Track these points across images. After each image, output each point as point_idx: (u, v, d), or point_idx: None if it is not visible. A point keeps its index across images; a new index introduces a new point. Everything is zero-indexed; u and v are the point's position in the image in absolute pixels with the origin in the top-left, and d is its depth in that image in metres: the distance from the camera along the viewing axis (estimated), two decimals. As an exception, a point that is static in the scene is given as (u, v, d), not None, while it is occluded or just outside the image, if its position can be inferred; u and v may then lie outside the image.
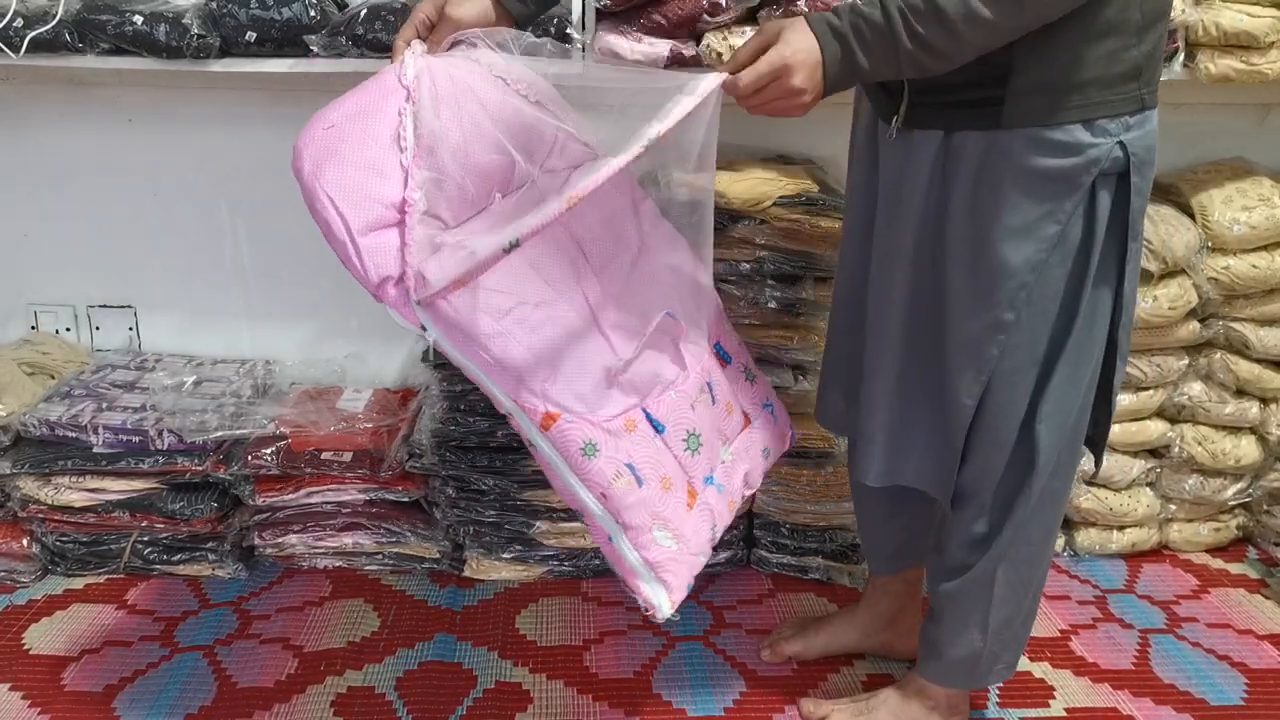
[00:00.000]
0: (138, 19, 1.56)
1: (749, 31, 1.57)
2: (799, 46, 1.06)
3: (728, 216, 1.69)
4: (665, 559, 1.17)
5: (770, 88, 1.08)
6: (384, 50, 1.58)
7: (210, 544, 1.79)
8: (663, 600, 1.16)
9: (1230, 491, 1.90)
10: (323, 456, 1.76)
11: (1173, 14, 1.58)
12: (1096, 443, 1.31)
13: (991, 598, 1.30)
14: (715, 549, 1.80)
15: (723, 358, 1.35)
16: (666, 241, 1.33)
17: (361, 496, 1.78)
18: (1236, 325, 1.81)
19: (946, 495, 1.31)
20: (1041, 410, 1.20)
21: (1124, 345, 1.23)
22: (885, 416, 1.31)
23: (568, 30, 1.56)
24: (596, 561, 1.82)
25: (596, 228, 1.30)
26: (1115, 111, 1.09)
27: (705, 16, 1.56)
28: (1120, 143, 1.09)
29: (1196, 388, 1.85)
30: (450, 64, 1.18)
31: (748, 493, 1.38)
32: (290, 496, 1.77)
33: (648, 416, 1.22)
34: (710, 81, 1.09)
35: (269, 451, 1.75)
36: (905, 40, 1.03)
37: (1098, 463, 1.34)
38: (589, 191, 1.01)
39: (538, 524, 1.79)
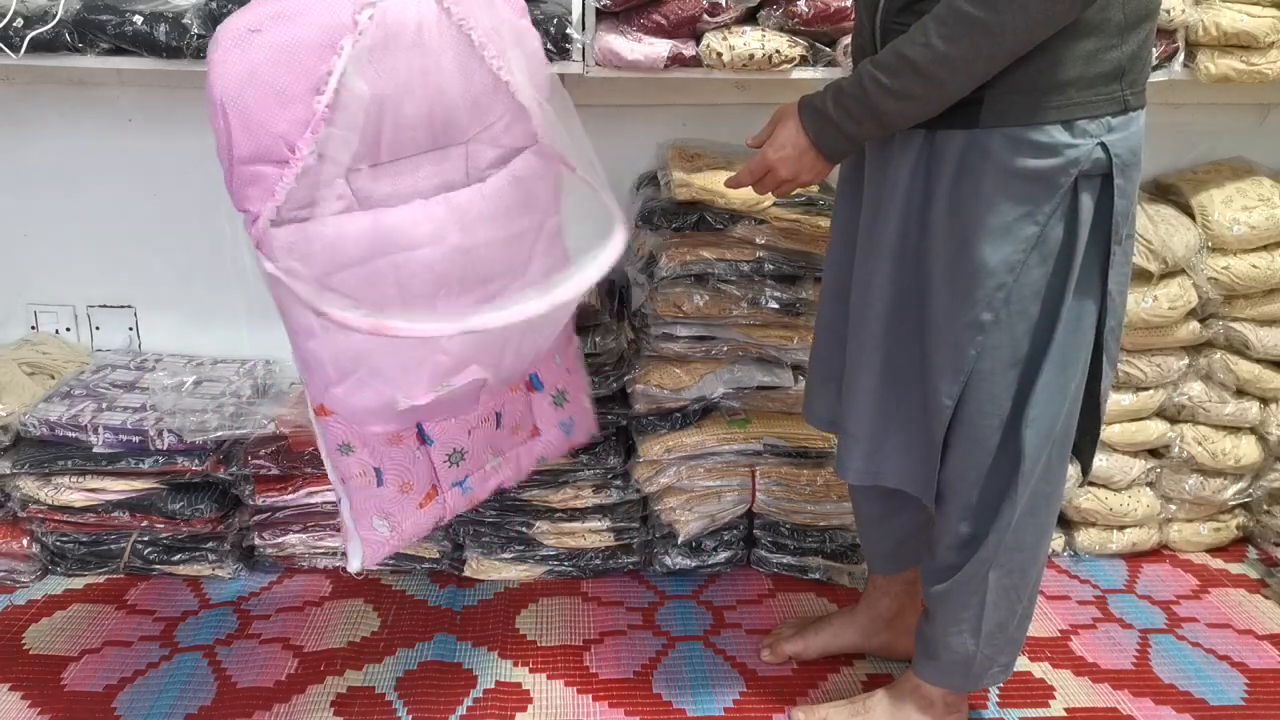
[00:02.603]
0: (138, 19, 1.56)
1: (749, 31, 1.57)
2: (783, 143, 1.21)
3: (728, 217, 1.69)
4: (374, 540, 1.32)
5: (765, 179, 1.25)
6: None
7: (210, 544, 1.79)
8: (356, 559, 1.31)
9: (1230, 491, 1.90)
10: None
11: (1173, 14, 1.59)
12: (1084, 450, 1.30)
13: (984, 602, 1.29)
14: (715, 549, 1.82)
15: (534, 385, 1.36)
16: (546, 269, 1.28)
17: (361, 496, 1.78)
18: (1236, 325, 1.81)
19: (929, 495, 1.30)
20: (1028, 414, 1.18)
21: (1112, 350, 1.22)
22: (867, 414, 1.31)
23: (568, 30, 1.56)
24: (596, 561, 1.82)
25: (496, 246, 1.24)
26: (1096, 112, 1.08)
27: (705, 16, 1.56)
28: (1101, 144, 1.09)
29: (1196, 388, 1.85)
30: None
31: (503, 485, 1.42)
32: (290, 496, 1.77)
33: (420, 431, 1.30)
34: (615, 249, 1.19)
35: (269, 451, 1.75)
36: (883, 99, 1.10)
37: (1085, 470, 1.33)
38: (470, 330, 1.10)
39: (538, 524, 1.79)
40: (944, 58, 1.04)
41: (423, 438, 1.31)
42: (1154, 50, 1.14)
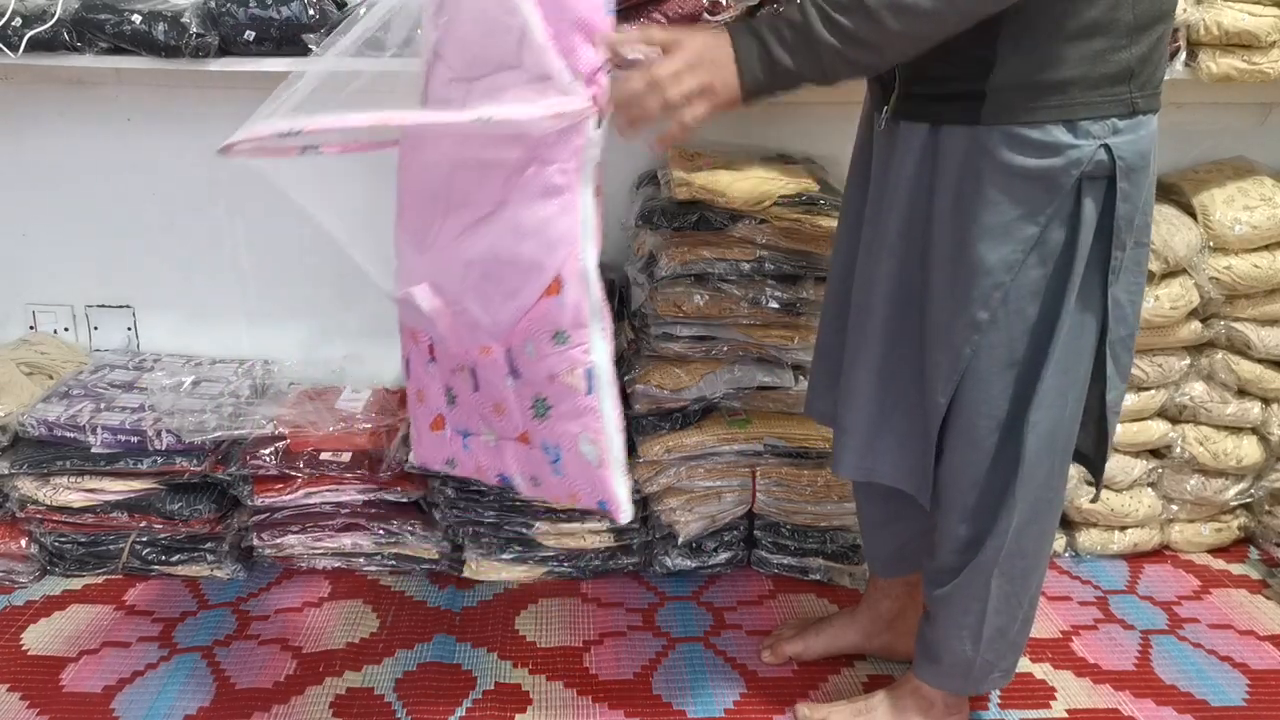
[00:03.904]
0: (136, 18, 1.56)
1: (749, 30, 1.56)
2: (706, 44, 1.06)
3: (728, 216, 1.68)
4: (415, 433, 1.42)
5: (649, 97, 1.05)
6: (383, 50, 1.57)
7: (209, 544, 1.79)
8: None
9: (1232, 492, 1.90)
10: (321, 457, 1.76)
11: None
12: (1095, 464, 1.28)
13: (986, 608, 1.28)
14: (715, 550, 1.82)
15: (512, 369, 1.19)
16: (528, 226, 1.11)
17: (360, 497, 1.78)
18: (1238, 325, 1.81)
19: (924, 494, 1.30)
20: (1030, 418, 1.17)
21: (1122, 360, 1.19)
22: (863, 409, 1.30)
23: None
24: (596, 562, 1.82)
25: (472, 168, 1.16)
26: (1101, 113, 1.07)
27: (706, 15, 1.55)
28: (1105, 145, 1.07)
29: (1198, 388, 1.84)
30: None
31: (521, 487, 1.28)
32: (289, 497, 1.77)
33: (430, 344, 1.29)
34: (573, 105, 1.04)
35: (267, 452, 1.75)
36: (824, 33, 1.01)
37: (1096, 485, 1.31)
38: (393, 123, 1.08)
39: (537, 524, 1.78)
40: (899, 4, 0.98)
41: (432, 353, 1.29)
42: (1167, 52, 1.11)
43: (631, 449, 1.77)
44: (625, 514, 1.13)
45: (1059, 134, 1.07)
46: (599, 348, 1.11)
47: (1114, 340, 1.17)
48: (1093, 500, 1.34)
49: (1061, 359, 1.15)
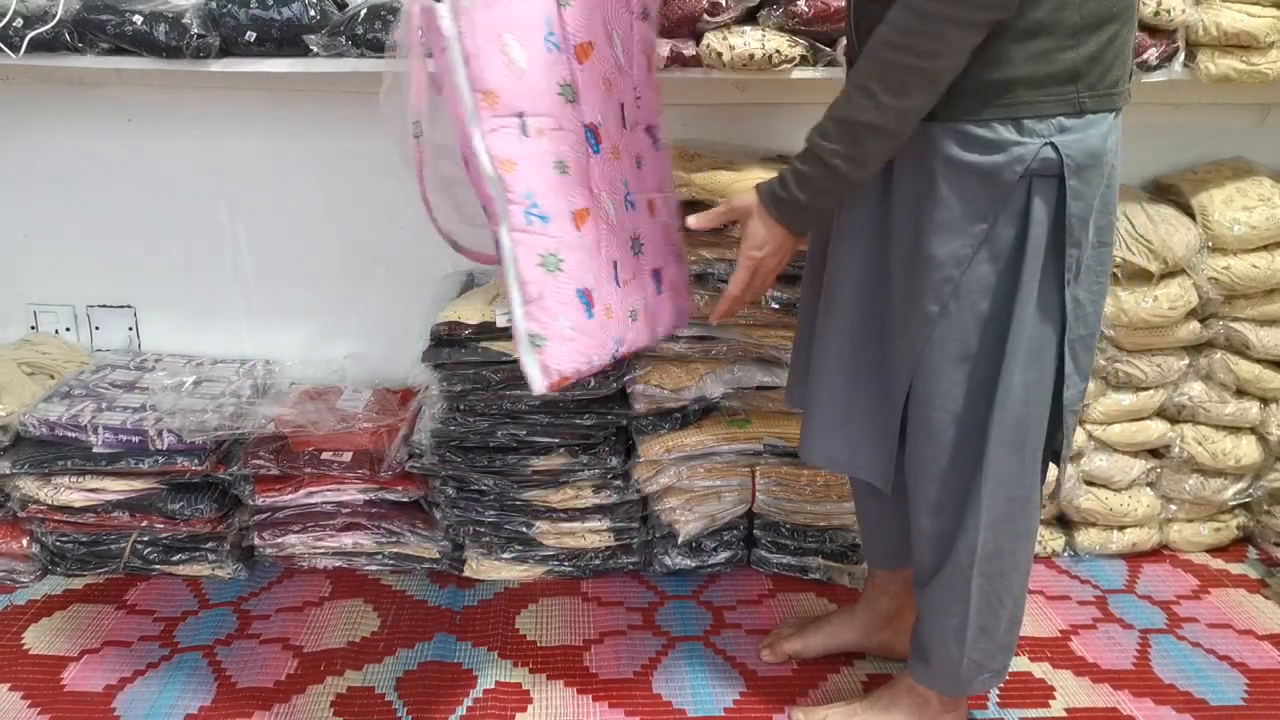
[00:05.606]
0: (137, 19, 1.56)
1: (749, 31, 1.57)
2: (761, 241, 1.23)
3: (728, 216, 1.69)
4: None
5: (755, 282, 1.27)
6: (384, 50, 1.58)
7: (210, 544, 1.79)
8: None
9: (1230, 491, 1.90)
10: (322, 456, 1.76)
11: (1173, 14, 1.58)
12: (1056, 460, 1.28)
13: (968, 609, 1.28)
14: (715, 549, 1.82)
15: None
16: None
17: (361, 496, 1.78)
18: (1237, 325, 1.81)
19: (886, 483, 1.31)
20: (991, 416, 1.18)
21: (1082, 360, 1.19)
22: (829, 397, 1.32)
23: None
24: (596, 561, 1.82)
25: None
26: (1046, 112, 1.07)
27: (705, 16, 1.55)
28: (1051, 144, 1.08)
29: (1197, 388, 1.85)
30: None
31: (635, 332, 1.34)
32: (290, 496, 1.77)
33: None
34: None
35: (268, 451, 1.75)
36: (852, 168, 1.11)
37: (1058, 482, 1.31)
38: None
39: (538, 524, 1.79)
40: (902, 112, 1.07)
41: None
42: (1124, 53, 1.11)
43: (631, 449, 1.78)
44: (536, 386, 1.18)
45: (1005, 132, 1.08)
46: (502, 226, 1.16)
47: (1073, 339, 1.18)
48: (1051, 496, 1.36)
49: (1022, 357, 1.16)
